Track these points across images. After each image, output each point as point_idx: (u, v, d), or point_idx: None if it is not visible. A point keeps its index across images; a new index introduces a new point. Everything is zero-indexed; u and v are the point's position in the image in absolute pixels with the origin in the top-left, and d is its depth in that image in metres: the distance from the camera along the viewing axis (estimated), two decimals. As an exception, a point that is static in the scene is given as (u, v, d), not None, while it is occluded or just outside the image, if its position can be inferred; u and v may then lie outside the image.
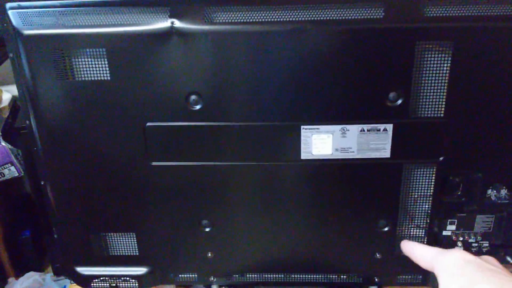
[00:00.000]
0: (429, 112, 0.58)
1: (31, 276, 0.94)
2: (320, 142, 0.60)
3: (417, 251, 0.51)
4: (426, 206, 0.64)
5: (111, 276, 0.69)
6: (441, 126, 0.59)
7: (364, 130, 0.59)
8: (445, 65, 0.56)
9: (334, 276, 0.68)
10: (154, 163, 0.62)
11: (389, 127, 0.59)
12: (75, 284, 0.82)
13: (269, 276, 0.69)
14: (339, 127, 0.59)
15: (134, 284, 0.69)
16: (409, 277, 0.68)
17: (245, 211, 0.65)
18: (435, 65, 0.56)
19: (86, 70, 0.58)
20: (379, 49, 0.55)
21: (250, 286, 0.72)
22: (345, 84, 0.57)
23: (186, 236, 0.66)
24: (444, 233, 0.66)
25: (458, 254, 0.46)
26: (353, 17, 0.54)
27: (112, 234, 0.67)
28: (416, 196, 0.63)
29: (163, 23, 0.55)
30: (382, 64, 0.56)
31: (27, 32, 0.57)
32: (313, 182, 0.63)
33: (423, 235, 0.66)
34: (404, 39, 0.55)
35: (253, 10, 0.55)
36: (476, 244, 0.66)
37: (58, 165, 0.64)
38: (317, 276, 0.68)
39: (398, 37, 0.55)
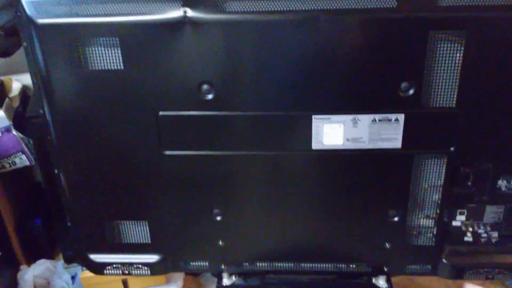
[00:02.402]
0: (441, 102, 0.58)
1: (43, 264, 0.95)
2: (332, 132, 0.60)
3: None
4: (436, 196, 0.64)
5: (123, 264, 0.70)
6: (452, 117, 0.59)
7: (375, 120, 0.59)
8: (458, 55, 0.56)
9: (343, 265, 0.69)
10: (166, 152, 0.63)
11: (401, 117, 0.59)
12: (87, 271, 0.83)
13: (279, 264, 0.70)
14: (350, 117, 0.59)
15: (146, 271, 0.70)
16: (418, 267, 0.68)
17: (256, 200, 0.66)
18: (448, 55, 0.56)
19: (100, 60, 0.58)
20: (392, 39, 0.55)
21: (261, 274, 0.73)
22: (357, 74, 0.57)
23: (197, 225, 0.67)
24: (454, 223, 0.66)
25: None
26: (365, 7, 0.54)
27: (125, 222, 0.68)
28: (426, 186, 0.64)
29: (176, 12, 0.55)
30: (394, 54, 0.56)
31: (41, 21, 0.57)
32: (323, 172, 0.63)
33: (432, 225, 0.66)
34: (417, 28, 0.54)
35: (265, -1, 0.55)
36: (486, 235, 0.67)
37: (72, 154, 0.65)
38: (327, 265, 0.69)
39: (411, 26, 0.54)
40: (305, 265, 0.69)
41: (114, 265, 0.70)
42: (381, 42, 0.55)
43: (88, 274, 0.83)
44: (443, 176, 0.63)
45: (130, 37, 0.57)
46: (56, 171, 0.66)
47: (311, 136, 0.60)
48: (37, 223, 1.00)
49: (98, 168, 0.65)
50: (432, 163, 0.62)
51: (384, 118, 0.59)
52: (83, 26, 0.57)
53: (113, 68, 0.59)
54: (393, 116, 0.59)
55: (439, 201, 0.64)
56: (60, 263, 0.97)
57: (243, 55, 0.57)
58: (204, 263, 0.70)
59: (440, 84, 0.57)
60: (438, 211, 0.65)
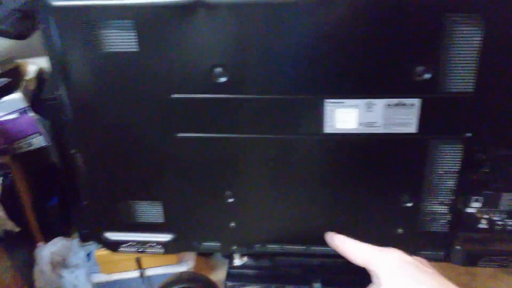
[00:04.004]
0: (458, 86, 0.57)
1: (59, 241, 0.98)
2: (345, 116, 0.60)
3: (350, 246, 0.51)
4: (451, 182, 0.63)
5: (138, 242, 0.72)
6: (470, 101, 0.57)
7: (390, 105, 0.58)
8: (477, 37, 0.54)
9: (355, 249, 0.69)
10: (179, 135, 0.63)
11: (417, 101, 0.58)
12: (102, 249, 0.85)
13: (290, 247, 0.70)
14: (364, 101, 0.59)
15: (159, 250, 0.72)
16: (431, 253, 0.68)
17: (268, 183, 0.66)
18: (465, 38, 0.54)
19: (115, 42, 0.58)
20: (407, 22, 0.54)
21: (271, 256, 0.74)
22: (371, 57, 0.56)
23: (209, 206, 0.68)
24: (468, 210, 0.65)
25: (397, 254, 0.47)
26: (381, -12, 0.53)
27: (139, 202, 0.69)
28: (441, 172, 0.63)
29: (190, -6, 0.55)
30: (410, 37, 0.55)
31: (57, 3, 0.57)
32: (336, 156, 0.63)
33: (446, 212, 0.65)
34: (434, 10, 0.53)
35: (280, -20, 0.54)
36: (501, 222, 0.66)
37: (87, 135, 0.65)
38: (338, 249, 0.69)
39: (426, 9, 0.53)
40: (316, 248, 0.69)
41: (129, 243, 0.72)
42: (396, 25, 0.54)
43: (103, 252, 0.85)
44: (459, 162, 0.62)
45: (145, 20, 0.57)
46: (72, 151, 0.67)
47: (324, 120, 0.60)
48: (53, 202, 1.02)
49: (112, 148, 0.66)
50: (448, 148, 0.61)
51: (400, 102, 0.58)
52: (99, 8, 0.57)
53: (128, 50, 0.59)
54: (408, 101, 0.58)
55: (454, 187, 0.64)
56: (75, 241, 1.00)
57: (256, 37, 0.57)
58: (216, 244, 0.71)
59: (457, 68, 0.56)
60: (452, 198, 0.64)
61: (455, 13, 0.53)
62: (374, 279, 0.46)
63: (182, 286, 0.78)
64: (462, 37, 0.54)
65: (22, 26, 0.72)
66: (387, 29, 0.54)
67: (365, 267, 0.48)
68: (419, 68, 0.56)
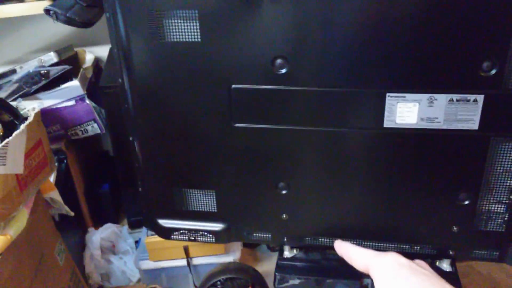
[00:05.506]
0: (525, 84, 0.56)
1: (109, 227, 1.01)
2: (405, 111, 0.59)
3: (352, 252, 0.51)
4: (510, 181, 0.62)
5: (190, 230, 0.73)
6: (535, 99, 0.56)
7: (453, 100, 0.58)
8: (547, 34, 0.53)
9: (406, 246, 0.68)
10: (237, 125, 0.64)
11: (480, 98, 0.57)
12: (151, 237, 0.87)
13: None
14: (426, 96, 0.58)
15: (211, 239, 0.73)
16: (485, 252, 0.67)
17: (322, 176, 0.66)
18: (536, 34, 0.53)
19: (178, 32, 0.60)
20: (475, 16, 0.53)
21: (322, 249, 0.74)
22: (435, 51, 0.56)
23: (263, 197, 0.69)
24: (527, 210, 0.64)
25: (392, 257, 0.47)
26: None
27: (192, 190, 0.71)
28: (500, 170, 0.61)
29: (255, -15, 0.56)
30: (476, 32, 0.54)
31: (124, -8, 0.59)
32: (394, 151, 0.62)
33: (504, 211, 0.64)
34: (503, 6, 0.52)
35: (345, -27, 0.54)
36: (561, 224, 0.64)
37: (146, 122, 0.67)
38: (390, 245, 0.69)
39: (497, 4, 0.52)
40: (368, 243, 0.69)
41: (181, 231, 0.73)
42: (463, 19, 0.53)
43: (152, 239, 0.87)
44: (519, 161, 0.61)
45: (209, 10, 0.58)
46: (130, 139, 0.69)
47: (384, 114, 0.60)
48: (105, 189, 1.06)
49: (170, 137, 0.67)
50: (509, 147, 0.60)
51: (462, 98, 0.57)
52: (165, -2, 0.58)
53: (190, 40, 0.60)
54: (471, 97, 0.57)
55: (513, 187, 0.62)
56: (125, 228, 1.03)
57: (319, 30, 0.57)
58: (267, 235, 0.72)
59: (525, 64, 0.55)
60: (510, 197, 0.63)
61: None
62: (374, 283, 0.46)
63: (229, 276, 0.79)
64: (532, 32, 0.53)
65: (87, 14, 0.74)
66: (454, 22, 0.54)
67: (366, 272, 0.49)
68: (486, 64, 0.55)
